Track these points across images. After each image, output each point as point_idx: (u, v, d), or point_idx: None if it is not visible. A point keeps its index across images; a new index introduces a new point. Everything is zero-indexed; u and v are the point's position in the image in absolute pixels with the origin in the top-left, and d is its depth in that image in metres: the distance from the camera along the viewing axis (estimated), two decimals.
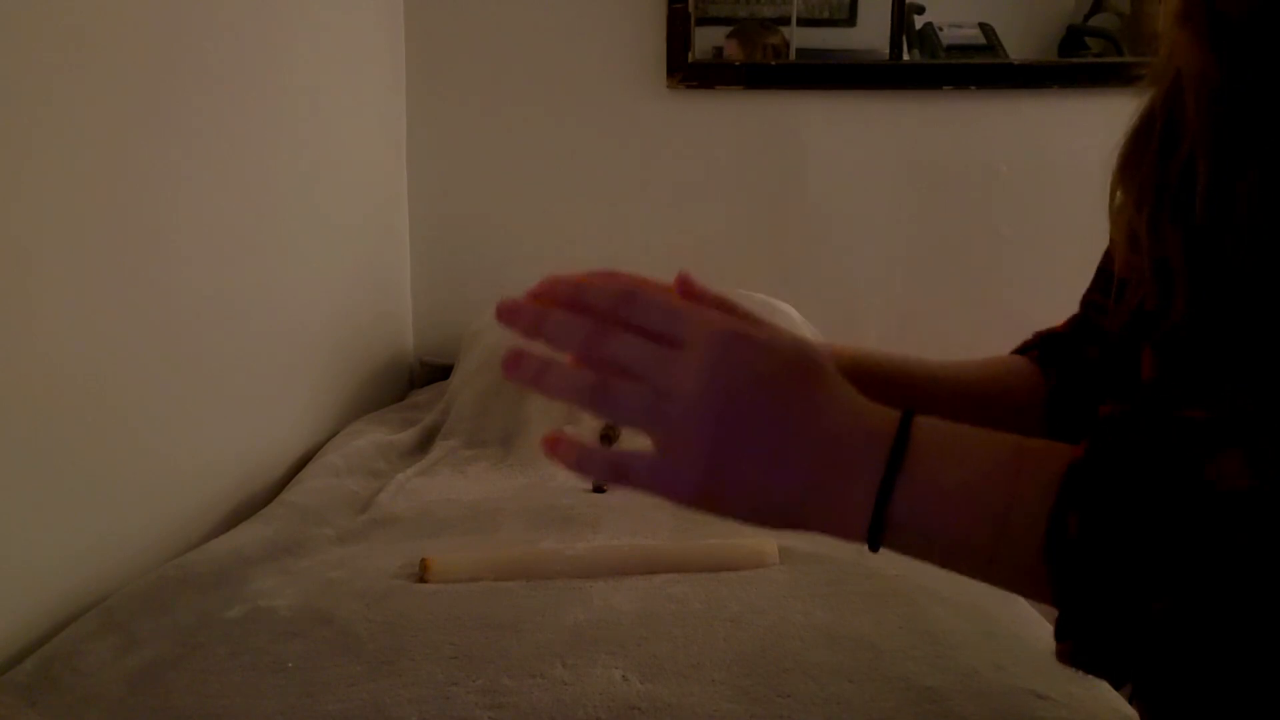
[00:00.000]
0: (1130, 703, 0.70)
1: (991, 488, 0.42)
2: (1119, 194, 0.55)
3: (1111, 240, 0.57)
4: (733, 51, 1.95)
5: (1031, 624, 0.86)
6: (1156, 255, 0.50)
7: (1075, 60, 1.90)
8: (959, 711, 0.71)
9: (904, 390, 0.63)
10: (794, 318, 1.70)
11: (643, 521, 1.12)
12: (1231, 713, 0.40)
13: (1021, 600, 0.91)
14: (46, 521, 0.89)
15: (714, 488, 0.44)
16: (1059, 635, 0.41)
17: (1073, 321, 0.69)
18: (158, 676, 0.77)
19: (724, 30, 1.94)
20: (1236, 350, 0.45)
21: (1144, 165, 0.53)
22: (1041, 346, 0.70)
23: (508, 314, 0.48)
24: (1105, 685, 0.76)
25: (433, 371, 1.89)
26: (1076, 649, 0.41)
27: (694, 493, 0.44)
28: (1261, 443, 0.38)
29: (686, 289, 0.51)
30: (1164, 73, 0.52)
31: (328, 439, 1.45)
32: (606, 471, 0.46)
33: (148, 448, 1.05)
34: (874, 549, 0.44)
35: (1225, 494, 0.37)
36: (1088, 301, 0.68)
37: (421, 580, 0.95)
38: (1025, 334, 0.72)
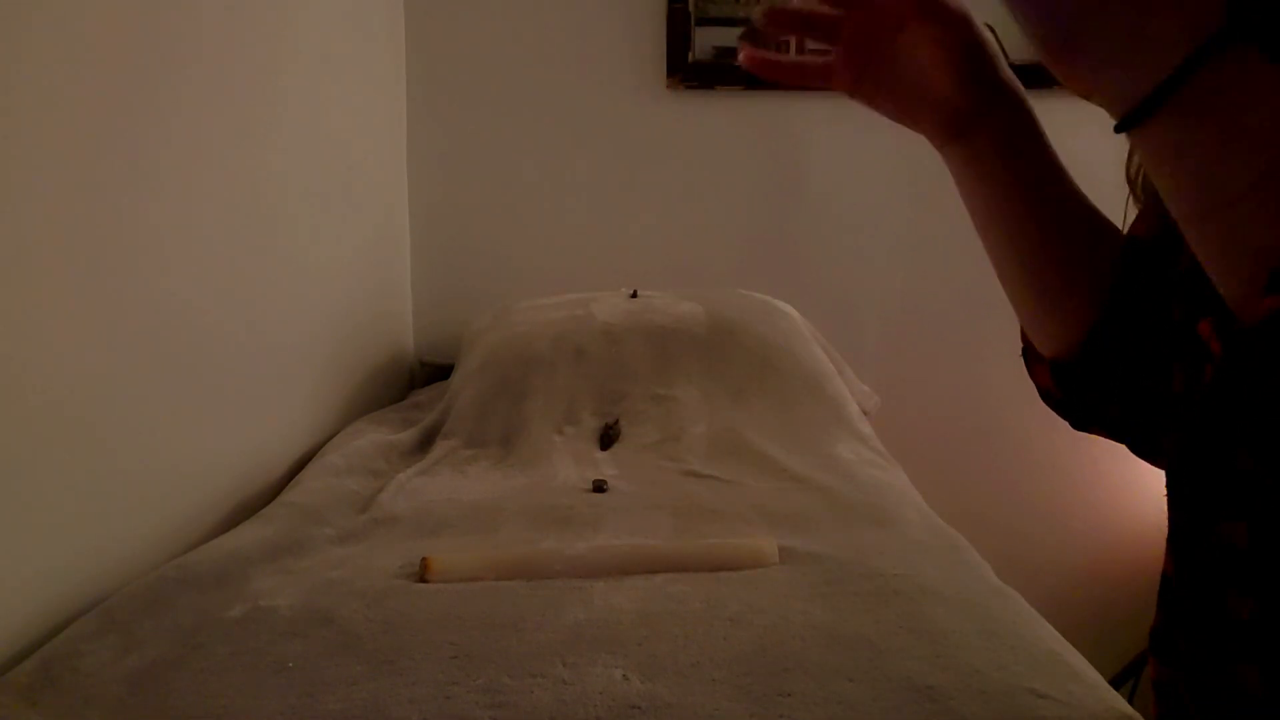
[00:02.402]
0: (1131, 701, 0.71)
1: None
2: (1136, 158, 0.56)
3: (1130, 195, 0.59)
4: None
5: (1031, 623, 0.86)
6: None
7: None
8: (959, 710, 0.71)
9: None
10: (794, 317, 1.70)
11: (643, 521, 1.12)
12: None
13: (1021, 599, 0.91)
14: (47, 521, 0.89)
15: None
16: (1271, 290, 0.40)
17: None
18: (158, 676, 0.77)
19: (724, 30, 1.94)
20: None
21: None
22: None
23: None
24: (1105, 684, 0.76)
25: (433, 371, 1.89)
26: None
27: None
28: None
29: None
30: None
31: (328, 439, 1.45)
32: None
33: (148, 448, 1.05)
34: (1137, 120, 0.41)
35: None
36: None
37: (422, 580, 0.95)
38: None
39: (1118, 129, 0.42)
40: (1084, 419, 0.66)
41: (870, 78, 0.57)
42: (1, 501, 0.83)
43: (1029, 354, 0.69)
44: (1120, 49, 0.41)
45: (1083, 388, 0.65)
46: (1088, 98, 0.43)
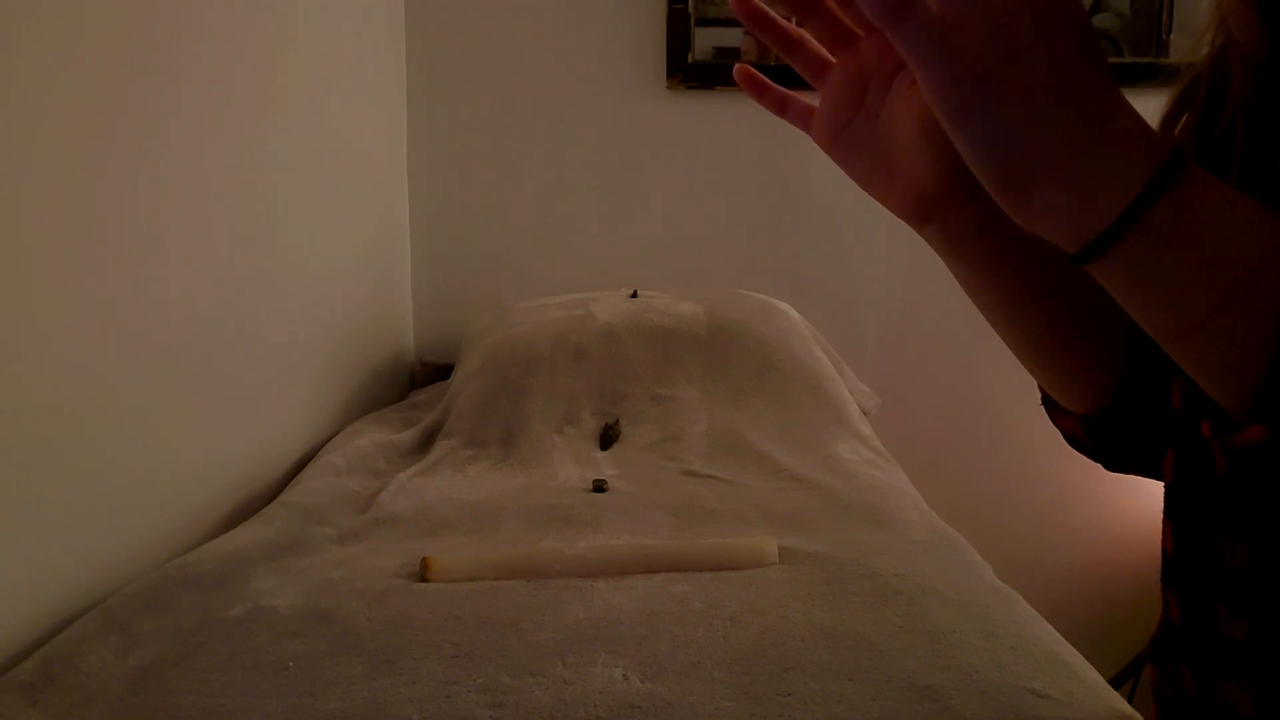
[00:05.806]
0: (1131, 701, 0.71)
1: (1254, 237, 0.40)
2: None
3: None
4: (748, 48, 1.95)
5: (1031, 623, 0.87)
6: None
7: None
8: (958, 710, 0.71)
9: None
10: (794, 318, 1.70)
11: (643, 521, 1.12)
12: None
13: (1021, 599, 0.91)
14: (48, 521, 0.89)
15: (991, 81, 0.39)
16: (1254, 415, 0.40)
17: None
18: (159, 676, 0.78)
19: (724, 30, 1.94)
20: None
21: (1184, 126, 0.53)
22: None
23: None
24: (1104, 684, 0.76)
25: (433, 371, 1.89)
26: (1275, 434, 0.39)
27: (969, 74, 0.39)
28: None
29: None
30: (1213, 39, 0.52)
31: (329, 439, 1.45)
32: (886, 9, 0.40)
33: (148, 448, 1.05)
34: (1095, 254, 0.40)
35: None
36: None
37: (422, 579, 0.95)
38: None
39: (1074, 261, 0.42)
40: (1118, 463, 0.63)
41: (848, 140, 0.54)
42: (1, 501, 0.83)
43: (1050, 402, 0.65)
44: (1074, 186, 0.40)
45: (1115, 435, 0.61)
46: (1039, 233, 0.43)
